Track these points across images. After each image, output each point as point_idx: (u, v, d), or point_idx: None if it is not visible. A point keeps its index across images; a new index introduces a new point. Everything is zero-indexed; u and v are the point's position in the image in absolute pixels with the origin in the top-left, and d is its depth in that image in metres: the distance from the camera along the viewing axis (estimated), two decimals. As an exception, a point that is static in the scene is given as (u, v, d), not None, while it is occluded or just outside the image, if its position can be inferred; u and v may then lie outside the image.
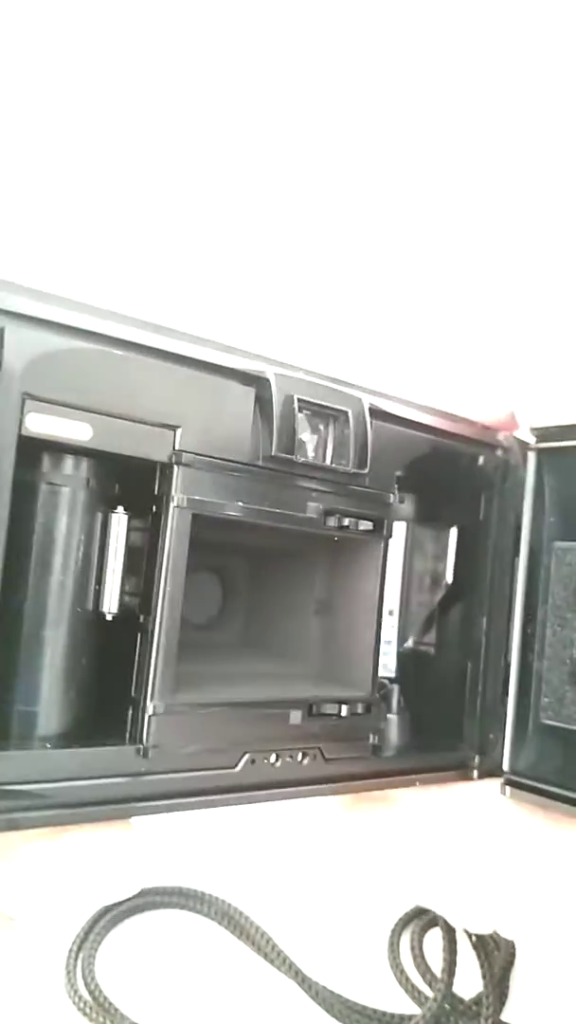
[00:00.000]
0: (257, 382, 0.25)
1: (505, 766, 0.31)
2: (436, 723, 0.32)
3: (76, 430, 0.22)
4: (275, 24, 0.70)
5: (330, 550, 0.30)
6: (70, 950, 0.46)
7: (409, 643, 0.33)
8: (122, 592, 0.24)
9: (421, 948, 0.47)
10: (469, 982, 0.45)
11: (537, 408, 0.32)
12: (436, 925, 0.48)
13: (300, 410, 0.26)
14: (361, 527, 0.28)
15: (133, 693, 0.23)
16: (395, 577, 0.33)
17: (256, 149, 0.71)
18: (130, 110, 0.71)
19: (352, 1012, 0.43)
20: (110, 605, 0.24)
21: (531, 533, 0.31)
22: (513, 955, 0.46)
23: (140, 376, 0.23)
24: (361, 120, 0.70)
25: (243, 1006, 0.44)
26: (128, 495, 0.24)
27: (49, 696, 0.24)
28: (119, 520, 0.24)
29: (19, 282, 0.22)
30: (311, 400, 0.26)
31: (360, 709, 0.28)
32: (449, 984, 0.43)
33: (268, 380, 0.25)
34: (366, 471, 0.27)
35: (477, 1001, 0.44)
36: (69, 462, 0.24)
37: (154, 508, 0.24)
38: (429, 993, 0.45)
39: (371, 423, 0.28)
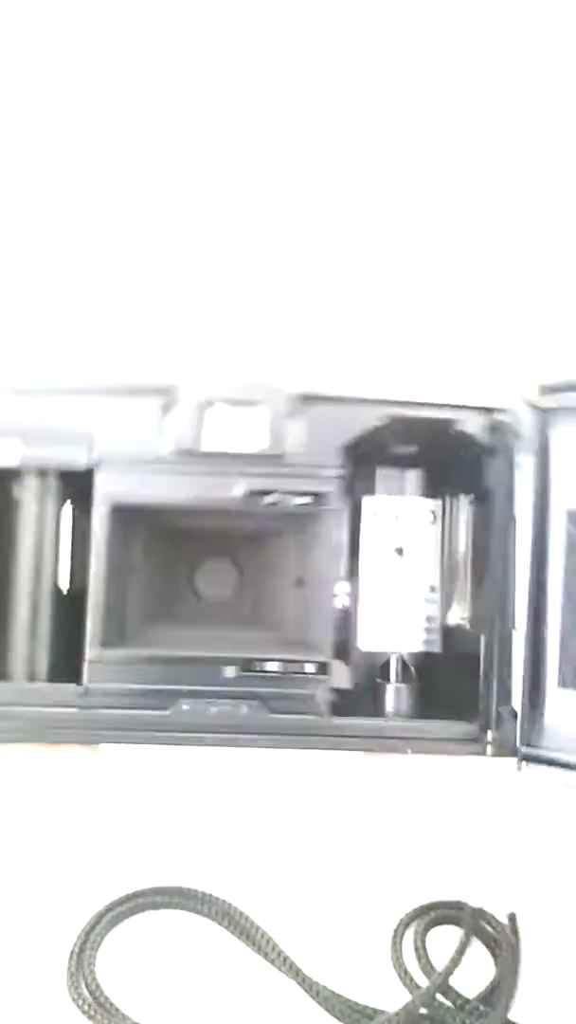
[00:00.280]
0: (166, 392, 0.31)
1: (518, 741, 0.31)
2: (451, 697, 0.32)
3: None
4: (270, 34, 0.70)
5: (300, 527, 0.31)
6: (71, 950, 0.46)
7: (453, 618, 0.33)
8: (71, 571, 0.31)
9: (424, 947, 0.47)
10: (468, 981, 0.45)
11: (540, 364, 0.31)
12: (440, 924, 0.47)
13: (209, 408, 0.30)
14: (298, 502, 0.31)
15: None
16: (431, 552, 0.33)
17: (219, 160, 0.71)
18: (82, 128, 0.71)
19: (353, 1012, 0.43)
20: (64, 580, 0.32)
21: (537, 497, 0.30)
22: (518, 955, 0.46)
23: (60, 407, 0.30)
24: (338, 130, 0.70)
25: (244, 1006, 0.44)
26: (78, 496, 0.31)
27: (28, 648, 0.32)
28: (66, 513, 0.31)
29: None
30: (220, 398, 0.30)
31: (311, 669, 0.31)
32: (446, 974, 0.43)
33: (175, 388, 0.31)
34: (293, 452, 0.31)
35: (483, 999, 0.44)
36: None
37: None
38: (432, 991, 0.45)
39: (298, 409, 0.31)
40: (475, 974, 0.45)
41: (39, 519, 0.31)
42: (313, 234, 0.69)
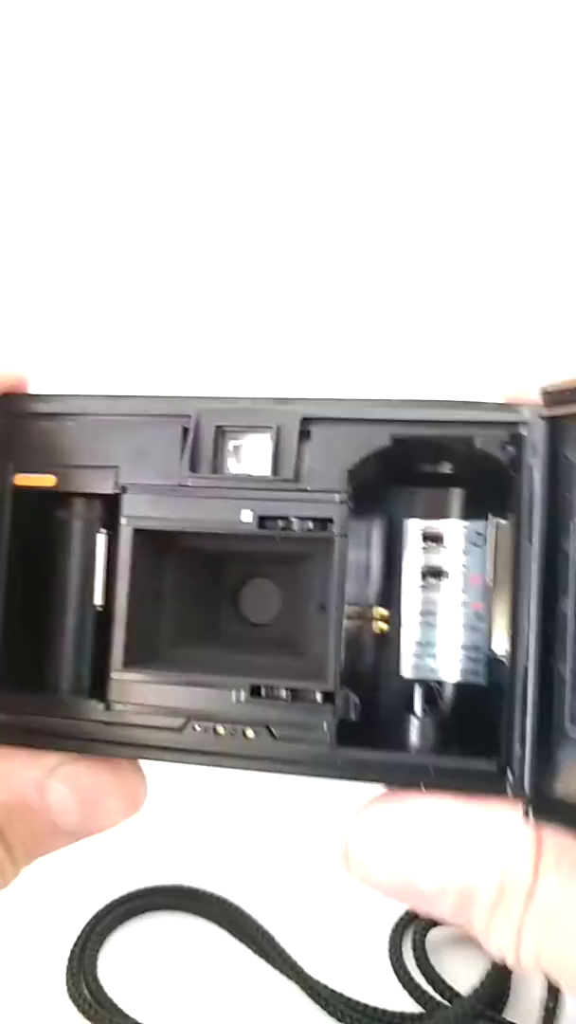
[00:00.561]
0: (181, 419, 0.32)
1: (526, 788, 0.27)
2: (489, 731, 0.30)
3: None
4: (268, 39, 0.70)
5: (322, 551, 0.31)
6: (72, 950, 0.46)
7: (498, 647, 0.30)
8: (104, 590, 0.32)
9: (424, 947, 0.47)
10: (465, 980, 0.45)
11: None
12: (438, 924, 0.48)
13: (221, 434, 0.32)
14: (306, 528, 0.31)
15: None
16: (477, 577, 0.32)
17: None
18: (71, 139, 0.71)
19: (354, 1011, 0.43)
20: (98, 600, 0.33)
21: (546, 514, 0.28)
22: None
23: (85, 436, 0.33)
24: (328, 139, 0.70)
25: (244, 1005, 0.44)
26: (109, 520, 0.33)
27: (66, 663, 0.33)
28: (101, 538, 0.33)
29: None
30: (231, 424, 0.32)
31: (318, 699, 0.30)
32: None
33: (190, 415, 0.32)
34: (299, 476, 0.31)
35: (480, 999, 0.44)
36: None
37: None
38: (432, 992, 0.45)
39: (306, 432, 0.31)
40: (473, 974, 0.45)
41: (80, 540, 0.33)
42: (321, 252, 0.69)
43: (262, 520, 0.31)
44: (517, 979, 0.45)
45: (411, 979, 0.45)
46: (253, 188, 0.70)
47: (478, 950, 0.45)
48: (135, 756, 0.32)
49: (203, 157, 0.71)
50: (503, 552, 0.30)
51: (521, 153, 0.68)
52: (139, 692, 0.32)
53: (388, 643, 0.33)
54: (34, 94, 0.73)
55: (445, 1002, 0.44)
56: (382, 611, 0.33)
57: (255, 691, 0.31)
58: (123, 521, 0.32)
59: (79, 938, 0.47)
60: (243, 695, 0.31)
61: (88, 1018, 0.42)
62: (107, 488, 0.32)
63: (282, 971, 0.45)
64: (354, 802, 0.30)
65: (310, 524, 0.31)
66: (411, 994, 0.45)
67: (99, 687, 0.32)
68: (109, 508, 0.32)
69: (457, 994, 0.44)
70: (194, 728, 0.31)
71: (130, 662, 0.32)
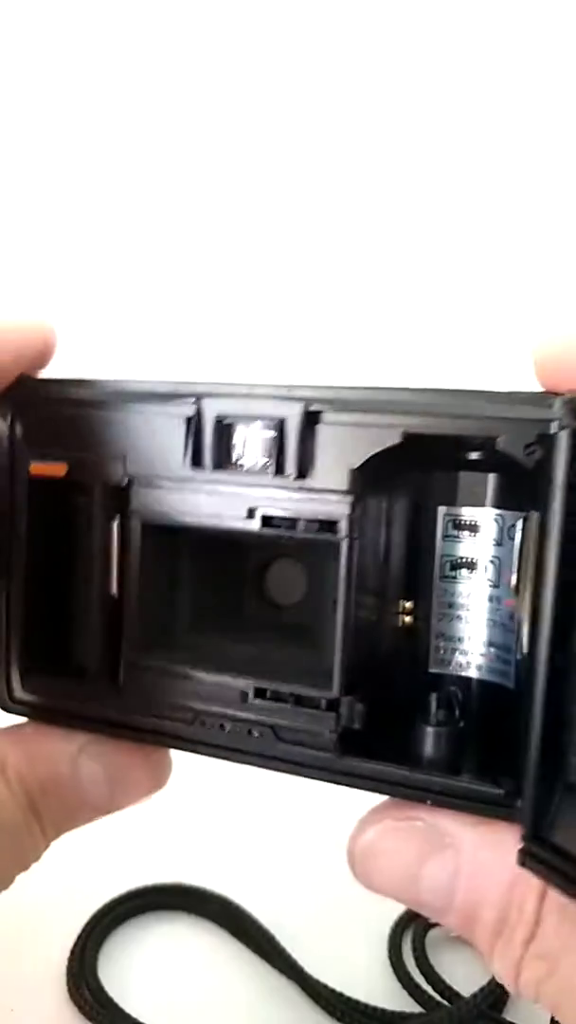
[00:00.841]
0: (184, 408, 0.31)
1: (524, 829, 0.25)
2: (496, 739, 0.29)
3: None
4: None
5: (334, 552, 0.30)
6: (72, 950, 0.46)
7: (526, 650, 0.28)
8: (119, 578, 0.32)
9: (423, 946, 0.47)
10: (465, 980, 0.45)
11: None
12: (438, 924, 0.47)
13: (224, 426, 0.30)
14: (312, 530, 0.29)
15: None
16: (511, 573, 0.29)
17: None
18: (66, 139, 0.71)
19: (354, 1011, 0.43)
20: (113, 588, 0.32)
21: (563, 533, 0.24)
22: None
23: (95, 423, 0.32)
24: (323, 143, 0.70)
25: (244, 1005, 0.44)
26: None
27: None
28: (114, 526, 0.32)
29: None
30: (233, 415, 0.30)
31: (323, 705, 0.29)
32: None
33: (193, 405, 0.31)
34: (304, 473, 0.29)
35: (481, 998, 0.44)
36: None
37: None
38: (431, 992, 0.45)
39: (312, 425, 0.29)
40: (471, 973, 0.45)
41: (93, 528, 0.33)
42: (326, 251, 0.69)
43: (265, 520, 0.30)
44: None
45: (411, 979, 0.45)
46: (259, 179, 0.70)
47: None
48: (148, 742, 0.32)
49: (203, 158, 0.71)
50: (530, 550, 0.27)
51: (535, 140, 0.68)
52: (151, 681, 0.32)
53: (413, 637, 0.31)
54: (38, 90, 0.73)
55: (445, 1002, 0.44)
56: (407, 604, 0.31)
57: (260, 693, 0.30)
58: (131, 513, 0.32)
59: (79, 938, 0.46)
60: (249, 695, 0.30)
61: (88, 1018, 0.42)
62: (116, 478, 0.32)
63: (282, 971, 0.45)
64: (359, 803, 0.30)
65: (316, 525, 0.29)
66: (411, 994, 0.45)
67: (115, 674, 0.32)
68: (119, 497, 0.32)
69: (457, 994, 0.44)
70: (202, 722, 0.31)
71: (142, 650, 0.32)
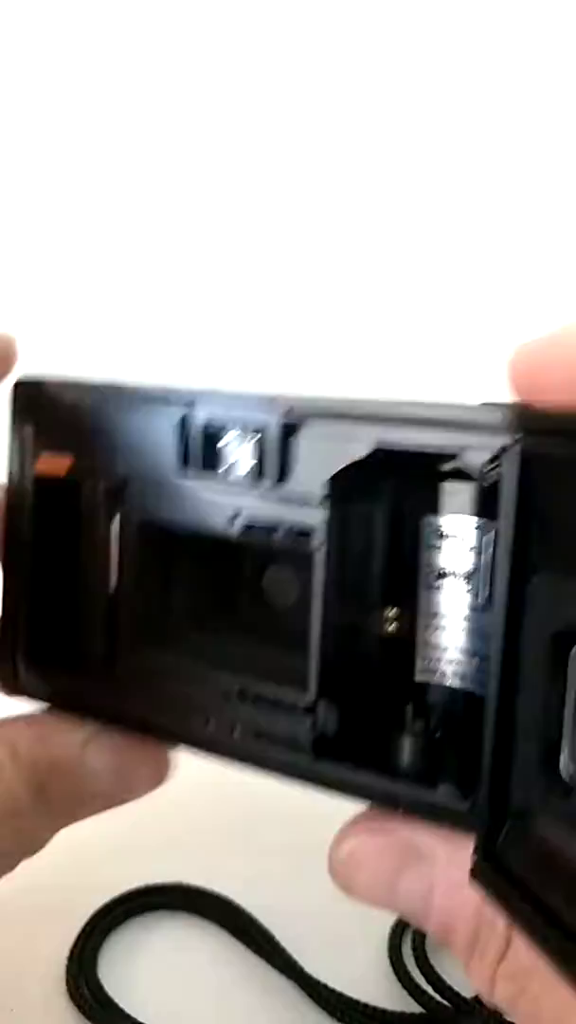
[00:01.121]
0: (174, 411, 0.31)
1: (473, 848, 0.24)
2: (475, 750, 0.27)
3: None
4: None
5: (309, 560, 0.30)
6: (72, 950, 0.46)
7: None
8: (117, 576, 0.33)
9: (423, 946, 0.47)
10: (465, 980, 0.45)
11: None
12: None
13: (211, 431, 0.31)
14: (289, 537, 0.30)
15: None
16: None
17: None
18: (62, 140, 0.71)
19: (354, 1011, 0.43)
20: (111, 585, 0.34)
21: (512, 558, 0.24)
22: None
23: (92, 422, 0.33)
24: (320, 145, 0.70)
25: (244, 1004, 0.44)
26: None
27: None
28: (112, 525, 0.33)
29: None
30: (220, 421, 0.31)
31: (300, 708, 0.30)
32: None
33: (182, 408, 0.31)
34: (284, 479, 0.30)
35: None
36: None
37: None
38: (431, 992, 0.45)
39: (291, 433, 0.30)
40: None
41: (91, 526, 0.34)
42: (324, 255, 0.69)
43: (246, 526, 0.31)
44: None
45: (411, 979, 0.45)
46: (250, 186, 0.71)
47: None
48: (142, 733, 0.33)
49: (203, 159, 0.71)
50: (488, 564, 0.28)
51: (519, 153, 0.68)
52: (145, 675, 0.33)
53: (399, 646, 0.31)
54: (35, 88, 0.73)
55: (445, 1002, 0.44)
56: (391, 612, 0.31)
57: (243, 693, 0.31)
58: (127, 513, 0.33)
59: (79, 938, 0.46)
60: (232, 696, 0.31)
61: (88, 1018, 0.42)
62: (113, 479, 0.33)
63: (282, 971, 0.45)
64: (358, 804, 0.30)
65: (294, 533, 0.30)
66: (411, 994, 0.45)
67: (113, 667, 0.34)
68: (117, 497, 0.33)
69: (457, 994, 0.44)
70: (187, 718, 0.32)
71: (137, 645, 0.33)
